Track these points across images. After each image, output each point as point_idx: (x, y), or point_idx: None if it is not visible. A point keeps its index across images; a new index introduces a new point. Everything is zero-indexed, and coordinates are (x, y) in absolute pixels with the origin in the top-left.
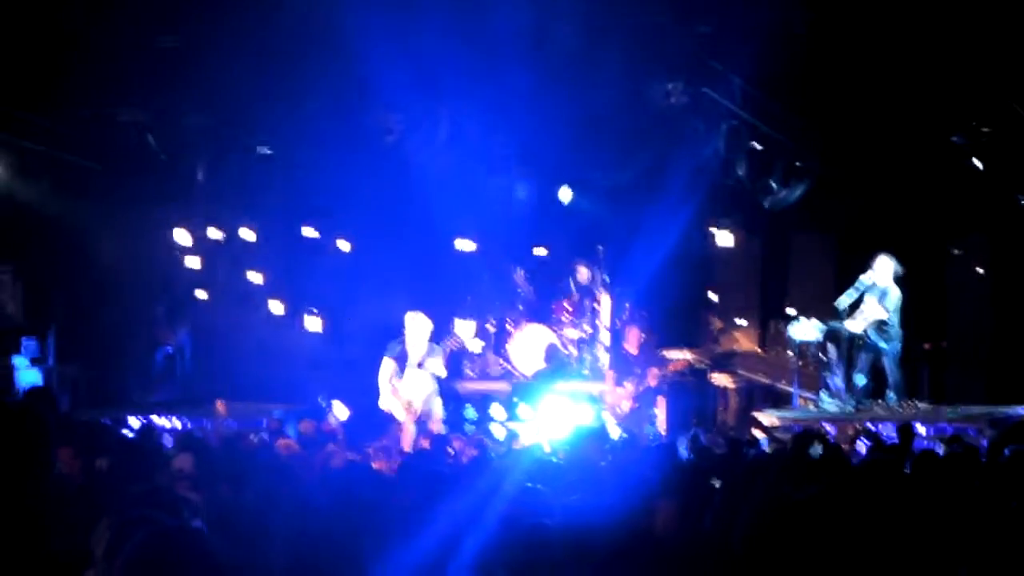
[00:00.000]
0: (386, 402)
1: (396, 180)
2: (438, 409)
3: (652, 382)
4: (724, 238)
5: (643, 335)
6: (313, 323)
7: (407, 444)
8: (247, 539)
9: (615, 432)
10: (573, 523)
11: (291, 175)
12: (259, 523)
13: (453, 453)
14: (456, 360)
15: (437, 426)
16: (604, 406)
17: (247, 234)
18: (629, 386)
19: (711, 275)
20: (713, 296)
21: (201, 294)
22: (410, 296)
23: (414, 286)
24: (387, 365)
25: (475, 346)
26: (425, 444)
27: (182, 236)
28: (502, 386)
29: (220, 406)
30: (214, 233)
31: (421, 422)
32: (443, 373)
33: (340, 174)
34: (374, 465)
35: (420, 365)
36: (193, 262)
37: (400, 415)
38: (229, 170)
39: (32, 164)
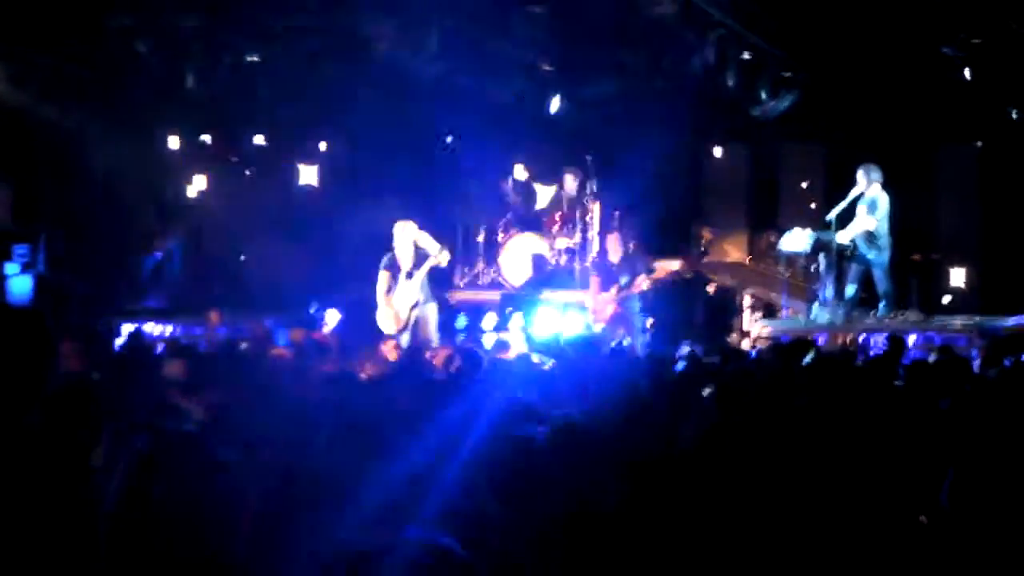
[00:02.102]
0: (380, 315)
1: (387, 88)
2: (432, 318)
3: (640, 288)
4: (713, 149)
5: (627, 243)
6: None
7: (395, 354)
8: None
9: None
10: (562, 434)
11: (280, 83)
12: (251, 427)
13: (441, 363)
14: (445, 271)
15: (431, 336)
16: (588, 312)
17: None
18: (613, 291)
19: (700, 186)
20: (702, 207)
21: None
22: (400, 206)
23: (404, 196)
24: (382, 277)
25: (443, 259)
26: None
27: (174, 143)
28: (493, 295)
29: (213, 315)
30: (206, 139)
31: (414, 332)
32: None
33: (330, 83)
34: (364, 373)
35: (410, 275)
36: (186, 171)
37: (390, 327)
38: (219, 77)
39: (22, 70)
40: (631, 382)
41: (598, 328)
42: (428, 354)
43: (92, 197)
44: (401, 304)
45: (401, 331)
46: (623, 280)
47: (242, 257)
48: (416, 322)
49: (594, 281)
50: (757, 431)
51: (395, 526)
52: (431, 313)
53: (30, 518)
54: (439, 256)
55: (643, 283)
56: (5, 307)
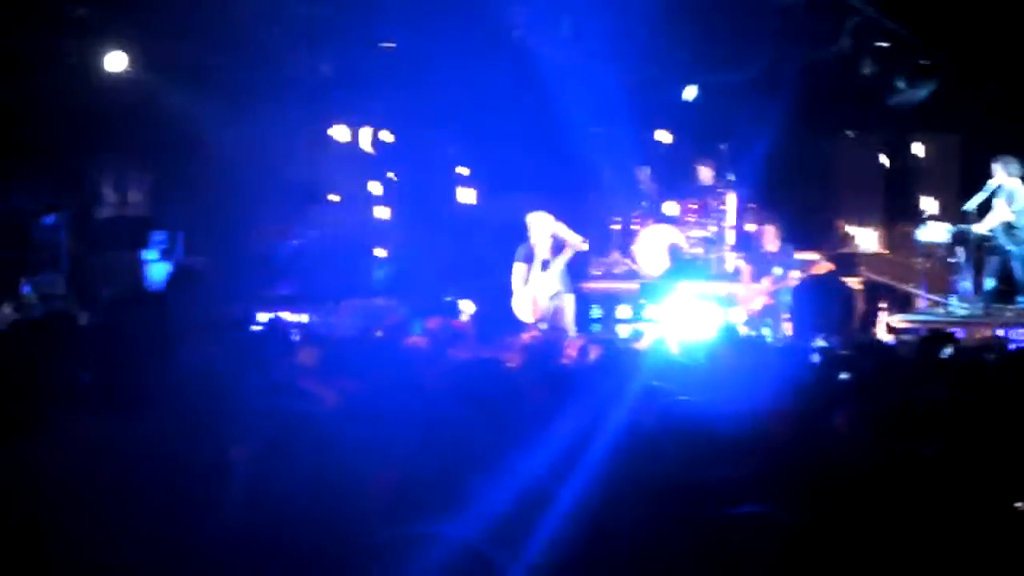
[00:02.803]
0: (517, 305)
1: (519, 77)
2: (569, 309)
3: (792, 282)
4: (850, 139)
5: (780, 233)
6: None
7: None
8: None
9: (743, 331)
10: (695, 424)
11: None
12: (384, 413)
13: (575, 353)
14: (580, 261)
15: (568, 326)
16: (736, 303)
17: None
18: (766, 282)
19: (835, 177)
20: (838, 198)
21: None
22: (533, 197)
23: (537, 186)
24: (517, 269)
25: (582, 246)
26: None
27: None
28: (627, 286)
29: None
30: (341, 134)
31: (551, 322)
32: (582, 246)
33: (463, 72)
34: (508, 362)
35: (545, 265)
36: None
37: (528, 317)
38: (350, 66)
39: (156, 57)
40: (769, 374)
41: (742, 320)
42: (564, 344)
43: (228, 184)
44: (539, 294)
45: (539, 320)
46: (777, 272)
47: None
48: (554, 312)
49: (746, 271)
50: (897, 423)
51: (521, 517)
52: (568, 303)
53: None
54: (579, 244)
55: (798, 276)
56: (144, 292)
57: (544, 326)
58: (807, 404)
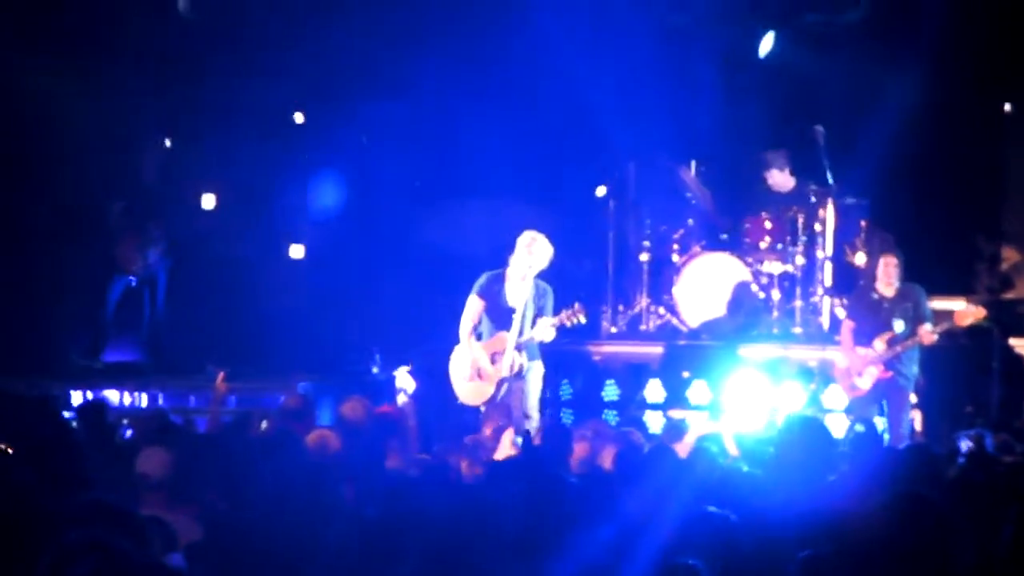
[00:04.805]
0: (457, 365)
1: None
2: (534, 386)
3: (924, 340)
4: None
5: (901, 269)
6: None
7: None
8: None
9: (840, 425)
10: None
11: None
12: (273, 561)
13: (581, 459)
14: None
15: (530, 410)
16: (833, 378)
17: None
18: (880, 345)
19: (997, 179)
20: (1000, 212)
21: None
22: (518, 207)
23: (516, 192)
24: (472, 306)
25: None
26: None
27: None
28: (662, 350)
29: (220, 381)
30: None
31: (499, 408)
32: (549, 336)
33: None
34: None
35: (526, 317)
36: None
37: (467, 391)
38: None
39: None
40: (883, 494)
41: (844, 403)
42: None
43: (25, 181)
44: (505, 360)
45: (490, 401)
46: (899, 327)
47: None
48: (509, 389)
49: (847, 329)
50: None
51: None
52: (534, 377)
53: None
54: (575, 313)
55: (928, 334)
56: None
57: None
58: (944, 547)
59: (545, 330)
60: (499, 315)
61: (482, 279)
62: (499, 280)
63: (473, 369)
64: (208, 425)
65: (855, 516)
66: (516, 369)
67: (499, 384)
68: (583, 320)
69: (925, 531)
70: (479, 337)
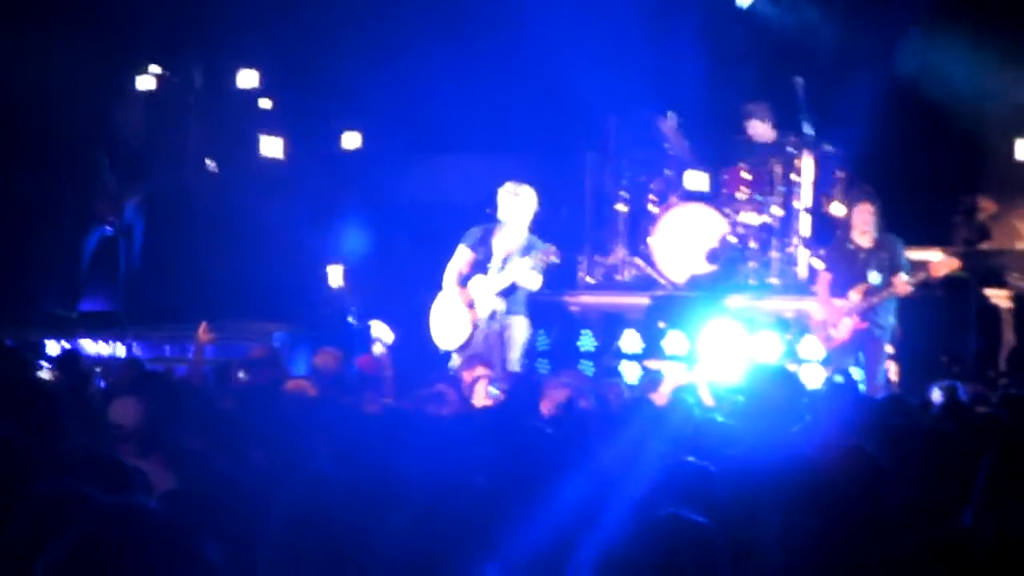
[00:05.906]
0: (439, 314)
1: None
2: (518, 339)
3: (899, 291)
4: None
5: (877, 219)
6: None
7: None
8: (224, 527)
9: (817, 375)
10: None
11: None
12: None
13: (554, 408)
14: (563, 264)
15: (513, 360)
16: (810, 329)
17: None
18: (856, 296)
19: (978, 129)
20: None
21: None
22: (487, 159)
23: (493, 143)
24: (460, 256)
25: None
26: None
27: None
28: (640, 300)
29: (203, 331)
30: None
31: (480, 357)
32: (536, 285)
33: None
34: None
35: (504, 265)
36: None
37: (446, 338)
38: None
39: None
40: (858, 445)
41: (819, 355)
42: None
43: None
44: (480, 304)
45: (461, 348)
46: (875, 279)
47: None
48: (489, 338)
49: (824, 280)
50: None
51: None
52: (518, 330)
53: None
54: (549, 255)
55: (904, 285)
56: None
57: (455, 361)
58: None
59: (522, 273)
60: (487, 264)
61: (473, 231)
62: (490, 234)
63: (451, 313)
64: (188, 374)
65: (820, 465)
66: (489, 312)
67: (474, 325)
68: (556, 260)
69: (858, 478)
70: (464, 280)
